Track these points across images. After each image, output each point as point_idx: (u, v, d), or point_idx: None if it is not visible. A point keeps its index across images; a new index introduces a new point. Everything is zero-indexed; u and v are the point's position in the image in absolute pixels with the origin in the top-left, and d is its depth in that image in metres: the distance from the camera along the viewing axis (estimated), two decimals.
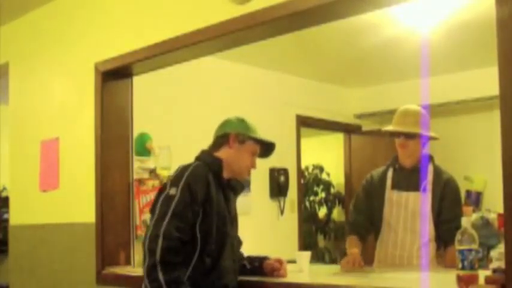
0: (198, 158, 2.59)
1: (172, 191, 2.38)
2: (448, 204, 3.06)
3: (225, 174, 2.58)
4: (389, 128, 3.23)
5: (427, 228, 3.08)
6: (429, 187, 3.09)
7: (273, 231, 5.82)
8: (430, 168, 3.15)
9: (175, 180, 2.42)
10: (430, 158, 3.19)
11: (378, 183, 3.24)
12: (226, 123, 2.66)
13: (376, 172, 3.31)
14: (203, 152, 2.63)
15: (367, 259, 3.22)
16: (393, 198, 3.17)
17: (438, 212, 3.07)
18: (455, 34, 4.75)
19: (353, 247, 3.14)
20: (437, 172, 3.15)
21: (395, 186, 3.19)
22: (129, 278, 3.20)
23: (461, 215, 2.90)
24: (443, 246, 3.07)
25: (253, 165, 2.65)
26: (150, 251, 2.29)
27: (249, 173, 2.69)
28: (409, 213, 3.11)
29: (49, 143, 3.93)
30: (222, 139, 2.62)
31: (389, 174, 3.23)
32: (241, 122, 2.64)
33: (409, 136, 3.13)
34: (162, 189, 2.46)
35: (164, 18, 3.26)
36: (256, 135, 2.63)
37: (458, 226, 2.55)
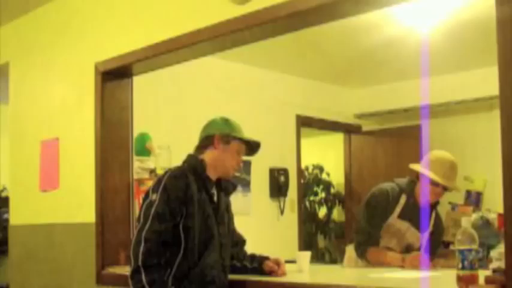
0: (184, 162, 2.63)
1: (153, 197, 2.45)
2: (434, 243, 3.32)
3: (212, 175, 2.61)
4: (440, 180, 3.19)
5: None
6: (426, 234, 3.29)
7: (273, 231, 5.82)
8: (434, 213, 3.34)
9: (155, 186, 2.49)
10: (438, 203, 3.36)
11: (392, 203, 3.30)
12: (210, 124, 2.68)
13: (391, 190, 3.32)
14: (188, 156, 2.66)
15: None
16: (396, 225, 3.28)
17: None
18: (455, 34, 4.75)
19: (391, 253, 3.21)
20: (436, 219, 3.37)
21: (403, 216, 3.29)
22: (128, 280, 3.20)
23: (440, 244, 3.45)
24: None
25: (238, 164, 2.67)
26: (133, 256, 2.39)
27: (235, 172, 2.71)
28: (403, 241, 3.29)
29: (49, 143, 3.93)
30: (206, 141, 2.64)
31: (402, 201, 3.30)
32: (225, 122, 2.66)
33: (446, 189, 3.25)
34: (145, 196, 2.52)
35: (164, 18, 3.26)
36: (240, 135, 2.65)
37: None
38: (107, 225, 3.49)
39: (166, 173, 2.53)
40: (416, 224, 3.28)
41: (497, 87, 1.97)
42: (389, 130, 6.64)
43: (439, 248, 3.41)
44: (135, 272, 2.37)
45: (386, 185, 3.35)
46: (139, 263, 2.35)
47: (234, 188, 2.75)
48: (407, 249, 3.29)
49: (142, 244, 2.37)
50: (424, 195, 3.26)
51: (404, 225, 3.27)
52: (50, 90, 4.03)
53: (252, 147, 2.71)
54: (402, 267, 3.09)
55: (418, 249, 3.29)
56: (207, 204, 2.55)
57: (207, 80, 5.33)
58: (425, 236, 3.29)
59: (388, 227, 3.28)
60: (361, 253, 3.28)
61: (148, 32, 3.30)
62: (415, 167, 3.27)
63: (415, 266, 3.05)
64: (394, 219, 3.27)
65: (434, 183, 3.19)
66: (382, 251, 3.24)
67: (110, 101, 3.58)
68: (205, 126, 2.70)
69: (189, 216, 2.47)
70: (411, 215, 3.27)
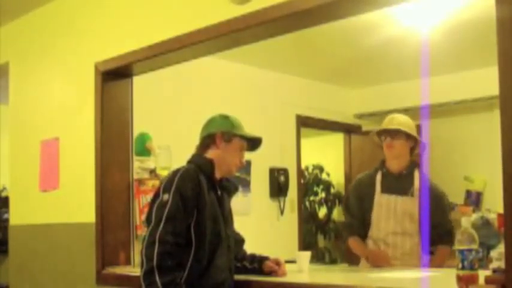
0: (189, 161, 2.61)
1: (165, 197, 2.41)
2: (433, 211, 3.19)
3: (216, 175, 2.59)
4: (376, 128, 3.36)
5: (416, 230, 3.21)
6: (416, 193, 3.23)
7: (273, 231, 5.82)
8: (416, 174, 3.28)
9: (166, 185, 2.45)
10: (417, 165, 3.33)
11: (367, 187, 3.35)
12: (210, 123, 2.66)
13: (364, 176, 3.44)
14: (194, 155, 2.64)
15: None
16: (383, 201, 3.28)
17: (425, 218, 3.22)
18: (455, 34, 4.75)
19: (363, 246, 3.31)
20: (423, 179, 3.28)
21: (385, 190, 3.30)
22: (129, 278, 3.20)
23: (447, 219, 3.23)
24: (433, 245, 3.19)
25: (241, 162, 2.66)
26: (147, 257, 2.34)
27: (238, 170, 2.69)
28: (399, 216, 3.24)
29: (49, 143, 3.93)
30: (208, 140, 2.62)
31: (378, 178, 3.34)
32: (225, 119, 2.64)
33: (394, 135, 3.26)
34: (155, 196, 2.49)
35: (164, 18, 3.26)
36: (241, 132, 2.63)
37: (446, 230, 3.15)
38: (107, 225, 3.49)
39: (175, 172, 2.49)
40: (400, 191, 3.25)
41: (497, 87, 1.97)
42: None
43: (442, 219, 3.23)
44: (149, 273, 2.31)
45: (360, 174, 3.49)
46: (154, 264, 2.30)
47: (236, 189, 2.73)
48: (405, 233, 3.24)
49: (157, 245, 2.32)
50: (388, 160, 3.31)
51: (391, 199, 3.26)
52: (50, 90, 4.03)
53: (254, 143, 2.70)
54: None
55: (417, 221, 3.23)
56: (216, 205, 2.54)
57: (207, 80, 5.33)
58: (417, 200, 3.21)
59: (379, 209, 3.27)
60: (344, 241, 3.50)
61: (148, 32, 3.30)
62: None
63: (377, 264, 3.12)
64: (378, 196, 3.29)
65: (379, 137, 3.32)
66: (357, 245, 3.34)
67: (110, 100, 3.58)
68: (205, 124, 2.68)
69: (200, 217, 2.45)
70: (392, 184, 3.28)
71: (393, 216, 3.24)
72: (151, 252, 2.32)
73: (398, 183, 3.27)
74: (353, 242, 3.38)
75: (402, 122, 3.30)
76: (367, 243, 3.33)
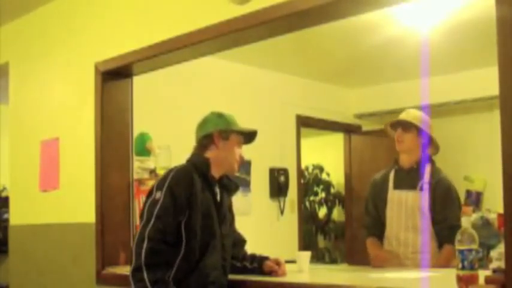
0: (188, 161, 2.62)
1: (157, 195, 2.43)
2: (439, 205, 3.14)
3: (216, 173, 2.61)
4: (389, 121, 3.35)
5: (426, 225, 3.15)
6: (426, 186, 3.18)
7: (273, 231, 5.82)
8: (428, 168, 3.23)
9: (159, 184, 2.47)
10: (430, 160, 3.27)
11: (381, 185, 3.35)
12: (205, 123, 2.67)
13: (378, 175, 3.42)
14: (193, 154, 2.65)
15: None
16: (394, 197, 3.26)
17: (432, 213, 3.16)
18: (455, 34, 4.75)
19: (377, 248, 3.30)
20: (433, 173, 3.23)
21: (397, 186, 3.28)
22: (129, 278, 3.20)
23: (454, 214, 3.11)
24: (438, 245, 3.14)
25: (241, 157, 2.67)
26: (136, 254, 2.36)
27: (239, 165, 2.70)
28: (410, 211, 3.19)
29: (49, 143, 3.93)
30: (206, 140, 2.63)
31: (391, 175, 3.33)
32: (220, 117, 2.65)
33: (405, 129, 3.24)
34: (149, 194, 2.50)
35: (164, 18, 3.26)
36: (238, 128, 2.65)
37: (451, 225, 2.98)
38: (107, 225, 3.49)
39: (169, 171, 2.51)
40: (411, 185, 3.22)
41: (497, 87, 1.97)
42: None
43: (449, 212, 3.12)
44: (137, 270, 2.34)
45: (376, 174, 3.46)
46: (142, 261, 2.32)
47: (237, 188, 2.74)
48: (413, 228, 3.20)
49: (146, 242, 2.34)
50: (399, 155, 3.30)
51: (402, 194, 3.23)
52: (50, 90, 4.03)
53: (249, 136, 2.71)
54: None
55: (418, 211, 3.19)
56: (211, 203, 2.54)
57: (207, 80, 5.33)
58: (424, 195, 3.15)
59: (391, 205, 3.25)
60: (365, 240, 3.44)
61: (149, 32, 3.30)
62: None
63: (377, 265, 3.13)
64: (391, 192, 3.28)
65: (393, 128, 3.30)
66: (372, 246, 3.33)
67: (110, 101, 3.58)
68: (200, 124, 2.69)
69: (192, 215, 2.45)
70: (403, 180, 3.26)
71: (404, 211, 3.21)
72: (140, 249, 2.35)
73: (409, 178, 3.24)
74: (369, 243, 3.36)
75: (417, 116, 3.28)
76: (384, 243, 3.30)
